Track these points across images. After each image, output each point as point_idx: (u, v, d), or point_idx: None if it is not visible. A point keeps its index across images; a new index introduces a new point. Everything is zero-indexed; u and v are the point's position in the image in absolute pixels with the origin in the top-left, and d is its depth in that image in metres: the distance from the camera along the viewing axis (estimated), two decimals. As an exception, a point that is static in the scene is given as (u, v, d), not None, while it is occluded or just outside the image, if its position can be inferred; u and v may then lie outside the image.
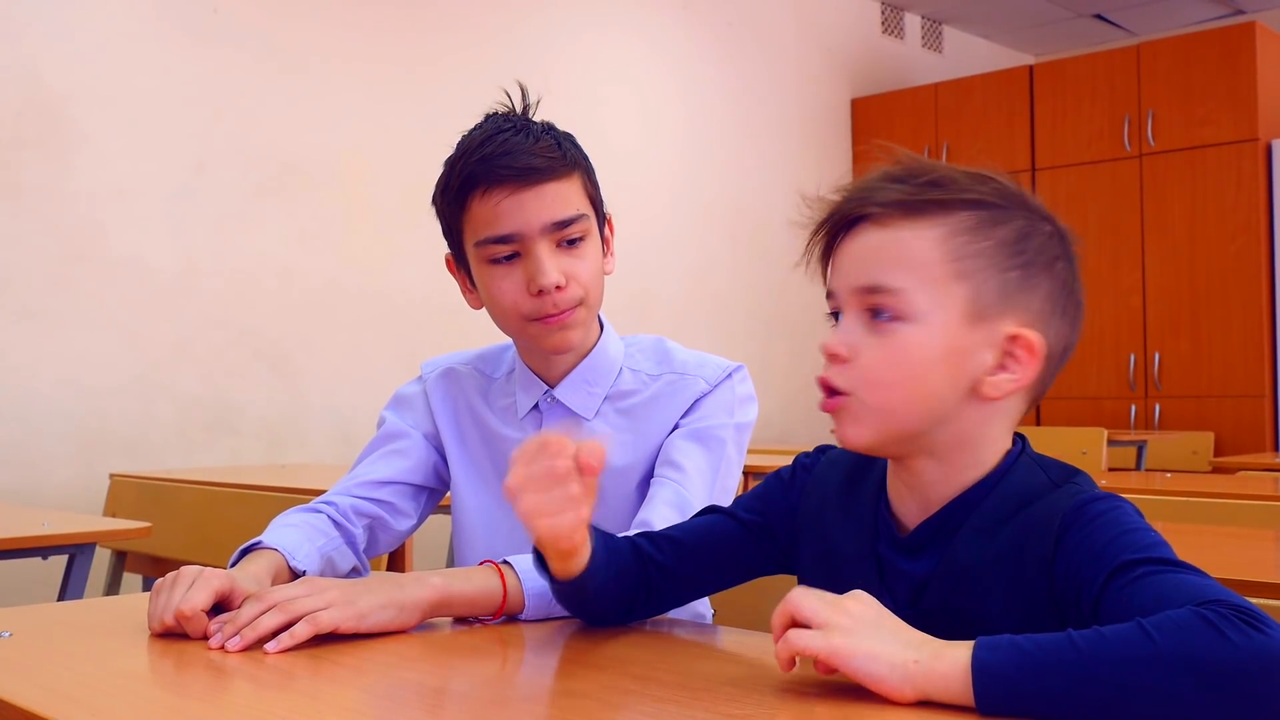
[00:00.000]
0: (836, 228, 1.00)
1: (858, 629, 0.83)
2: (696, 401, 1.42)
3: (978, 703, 0.78)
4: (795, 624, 0.84)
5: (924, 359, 0.94)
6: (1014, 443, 1.01)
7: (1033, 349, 0.95)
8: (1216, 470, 4.01)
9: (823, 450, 1.14)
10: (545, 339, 1.38)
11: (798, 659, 0.85)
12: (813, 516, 1.10)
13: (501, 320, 1.40)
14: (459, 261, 1.44)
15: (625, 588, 1.10)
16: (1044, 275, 0.97)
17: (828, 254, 1.01)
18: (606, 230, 1.46)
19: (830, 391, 0.97)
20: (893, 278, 0.95)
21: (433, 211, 1.44)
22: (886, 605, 0.86)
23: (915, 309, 0.94)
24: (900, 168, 0.99)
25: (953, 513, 0.98)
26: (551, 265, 1.33)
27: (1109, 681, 0.76)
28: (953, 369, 0.95)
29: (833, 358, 0.96)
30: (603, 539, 1.08)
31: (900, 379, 0.95)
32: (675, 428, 1.42)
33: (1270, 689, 0.74)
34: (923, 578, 0.98)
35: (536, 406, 1.45)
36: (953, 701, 0.79)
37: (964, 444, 0.98)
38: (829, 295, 1.00)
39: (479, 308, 1.44)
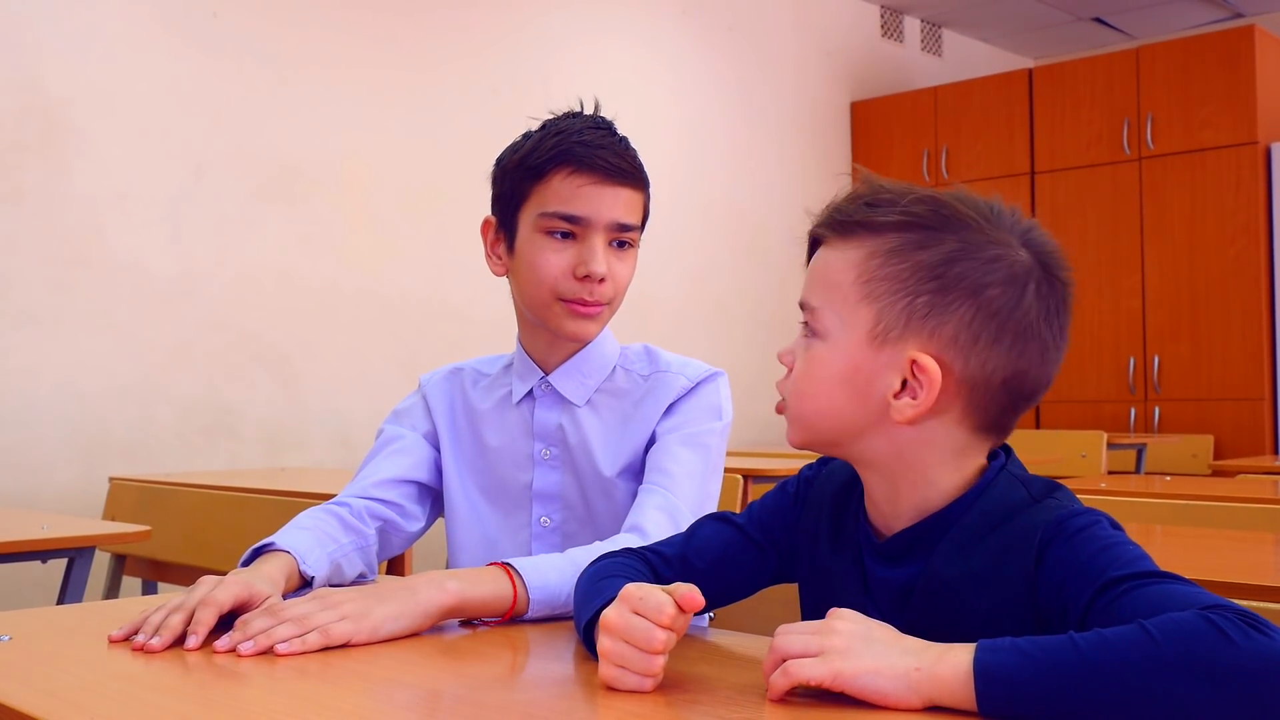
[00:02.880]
0: (811, 247, 1.06)
1: (854, 647, 0.82)
2: (679, 399, 1.48)
3: (980, 705, 0.78)
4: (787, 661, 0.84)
5: (828, 375, 0.99)
6: (996, 456, 1.01)
7: (930, 375, 0.94)
8: (1216, 473, 4.01)
9: (824, 462, 1.15)
10: (566, 322, 1.45)
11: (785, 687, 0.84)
12: (809, 530, 1.11)
13: (532, 290, 1.45)
14: (503, 228, 1.49)
15: None
16: (963, 301, 0.94)
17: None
18: None
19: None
20: (812, 296, 1.01)
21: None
22: (872, 616, 0.86)
23: (825, 327, 0.99)
24: (862, 187, 1.01)
25: (931, 525, 0.98)
26: (603, 258, 1.42)
27: (1112, 683, 0.75)
28: (857, 388, 0.97)
29: (784, 366, 1.04)
30: (636, 575, 1.08)
31: (812, 392, 1.00)
32: (658, 424, 1.47)
33: (1274, 691, 0.74)
34: (904, 586, 0.99)
35: (530, 393, 1.51)
36: (956, 705, 0.79)
37: (901, 465, 0.98)
38: None
39: (501, 274, 1.52)
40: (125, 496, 3.05)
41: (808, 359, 1.00)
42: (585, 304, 1.43)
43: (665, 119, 5.28)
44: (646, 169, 1.49)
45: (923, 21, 6.76)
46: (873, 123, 6.27)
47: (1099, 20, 6.76)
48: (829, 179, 6.02)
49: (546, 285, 1.43)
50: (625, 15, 5.18)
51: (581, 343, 1.49)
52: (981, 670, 0.78)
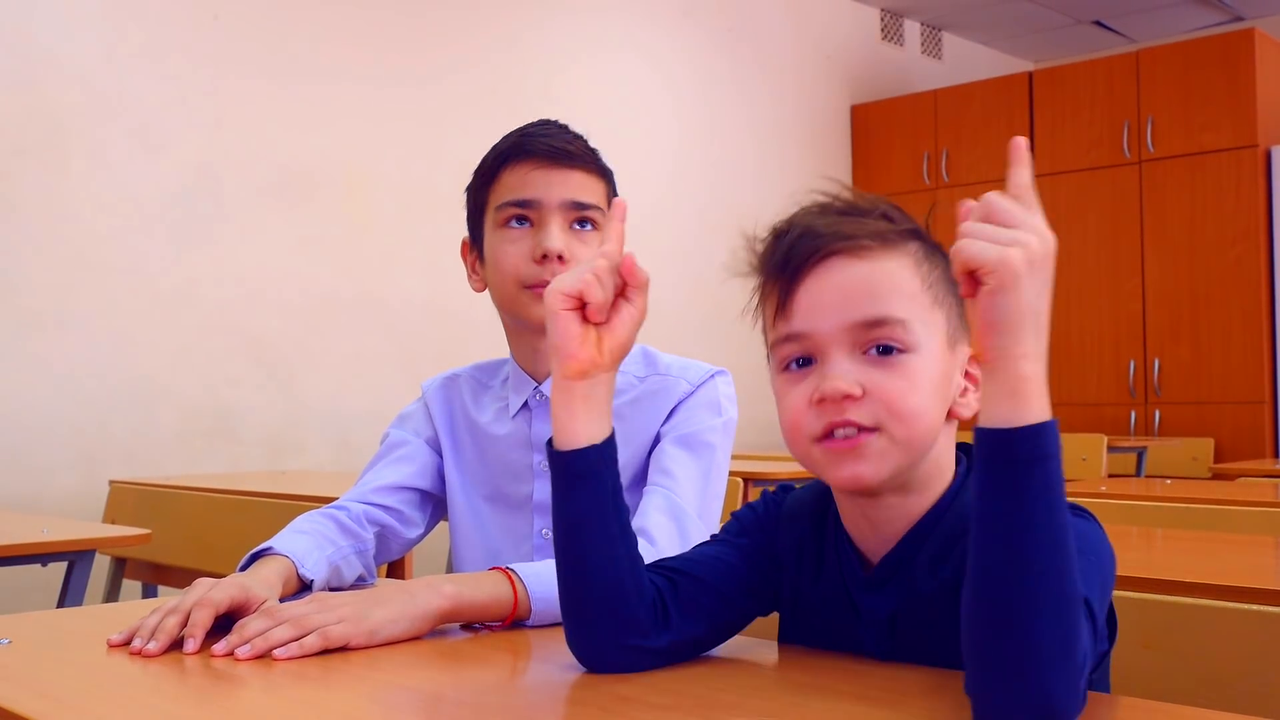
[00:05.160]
0: (796, 267, 0.97)
1: (1041, 270, 0.77)
2: (680, 402, 1.46)
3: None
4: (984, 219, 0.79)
5: (930, 387, 0.93)
6: (959, 461, 1.00)
7: None
8: (1216, 476, 4.00)
9: (785, 489, 1.12)
10: (534, 307, 1.43)
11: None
12: (783, 558, 1.07)
13: (499, 285, 1.46)
14: (475, 243, 1.51)
15: (629, 602, 0.99)
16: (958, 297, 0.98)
17: (786, 297, 0.97)
18: None
19: (858, 430, 0.92)
20: (896, 309, 0.93)
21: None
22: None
23: (916, 338, 0.93)
24: (839, 201, 1.00)
25: (910, 542, 0.97)
26: (559, 235, 1.41)
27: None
28: (944, 396, 0.95)
29: (847, 398, 0.91)
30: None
31: (921, 409, 0.92)
32: (661, 427, 1.45)
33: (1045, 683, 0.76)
34: (890, 613, 0.97)
35: (526, 405, 1.50)
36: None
37: (933, 470, 0.97)
38: (792, 338, 0.96)
39: (481, 290, 1.52)
40: (125, 499, 3.05)
41: (906, 375, 0.92)
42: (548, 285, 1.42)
43: (665, 121, 5.28)
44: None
45: (922, 25, 6.76)
46: (873, 126, 6.27)
47: (1099, 23, 6.77)
48: (829, 182, 6.02)
49: (510, 276, 1.43)
50: (626, 19, 5.18)
51: None
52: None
